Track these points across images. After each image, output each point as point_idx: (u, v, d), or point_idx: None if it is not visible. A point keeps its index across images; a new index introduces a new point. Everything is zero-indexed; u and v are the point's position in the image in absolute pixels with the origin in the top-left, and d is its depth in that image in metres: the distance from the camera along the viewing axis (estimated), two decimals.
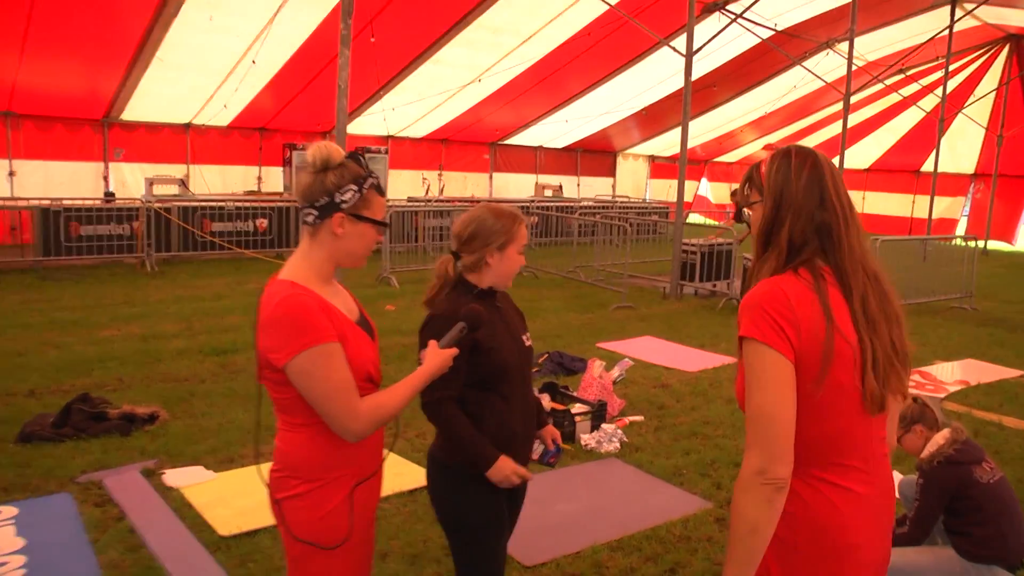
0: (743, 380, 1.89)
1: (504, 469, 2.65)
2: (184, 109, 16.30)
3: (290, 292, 2.09)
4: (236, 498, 4.67)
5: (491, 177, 21.98)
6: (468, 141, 20.97)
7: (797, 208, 1.92)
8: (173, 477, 4.97)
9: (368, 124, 18.67)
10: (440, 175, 20.74)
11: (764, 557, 1.82)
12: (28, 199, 13.23)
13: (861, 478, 1.90)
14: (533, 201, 18.10)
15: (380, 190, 2.23)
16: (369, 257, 2.33)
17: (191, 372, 7.27)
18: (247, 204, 14.72)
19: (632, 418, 6.29)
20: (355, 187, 2.17)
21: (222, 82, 15.21)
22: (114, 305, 10.10)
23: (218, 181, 17.54)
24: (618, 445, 5.67)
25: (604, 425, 5.84)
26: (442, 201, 17.77)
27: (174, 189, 15.55)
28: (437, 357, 2.39)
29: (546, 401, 6.12)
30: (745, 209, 2.10)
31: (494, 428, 2.71)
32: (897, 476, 4.18)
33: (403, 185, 19.77)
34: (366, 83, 16.09)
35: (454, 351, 2.43)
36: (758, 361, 1.83)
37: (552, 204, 17.83)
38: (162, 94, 15.16)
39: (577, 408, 5.93)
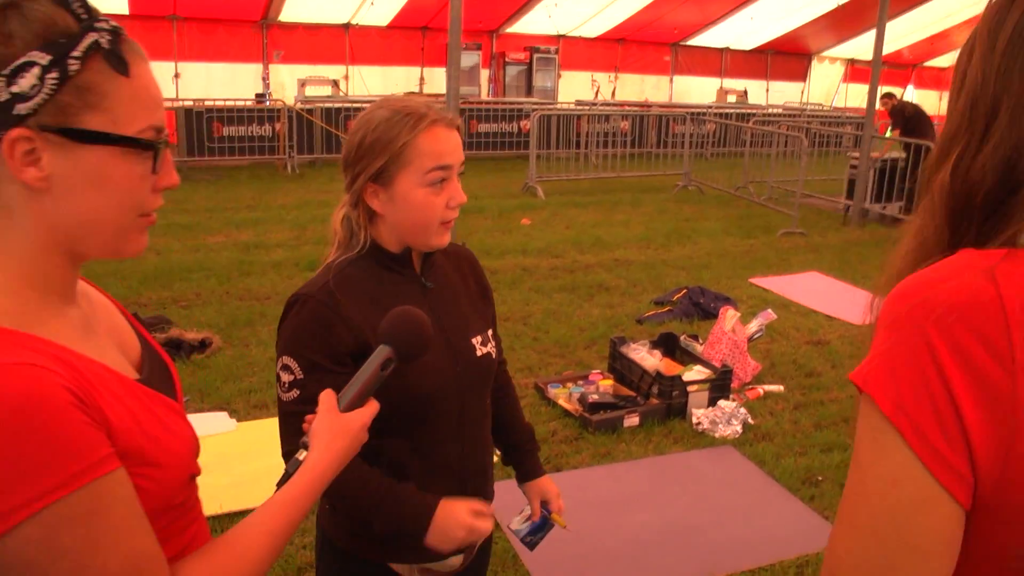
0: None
1: (450, 526, 1.47)
2: (343, 8, 15.71)
3: None
4: (242, 461, 3.81)
5: (671, 80, 20.00)
6: (647, 41, 19.08)
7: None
8: None
9: (536, 22, 17.33)
10: (615, 77, 19.10)
11: None
12: (182, 100, 13.15)
13: None
14: (711, 107, 16.16)
15: (119, 60, 0.91)
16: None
17: (272, 289, 6.54)
18: None
19: (768, 387, 4.85)
20: (47, 58, 0.86)
21: None
22: (234, 209, 9.65)
23: (379, 82, 16.93)
24: (739, 429, 4.29)
25: (723, 402, 4.45)
26: (610, 105, 16.25)
27: (327, 90, 15.10)
28: (341, 435, 1.13)
29: (655, 360, 4.80)
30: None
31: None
32: None
33: (575, 88, 18.39)
34: None
35: (373, 409, 1.19)
36: (872, 463, 0.74)
37: (731, 111, 15.87)
38: None
39: (692, 374, 4.58)
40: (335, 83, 15.30)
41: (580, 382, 4.79)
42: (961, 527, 0.71)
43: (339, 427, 1.14)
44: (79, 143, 0.89)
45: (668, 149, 13.78)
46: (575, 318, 6.11)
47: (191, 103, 12.34)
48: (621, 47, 19.10)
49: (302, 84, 14.66)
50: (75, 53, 0.87)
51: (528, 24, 17.57)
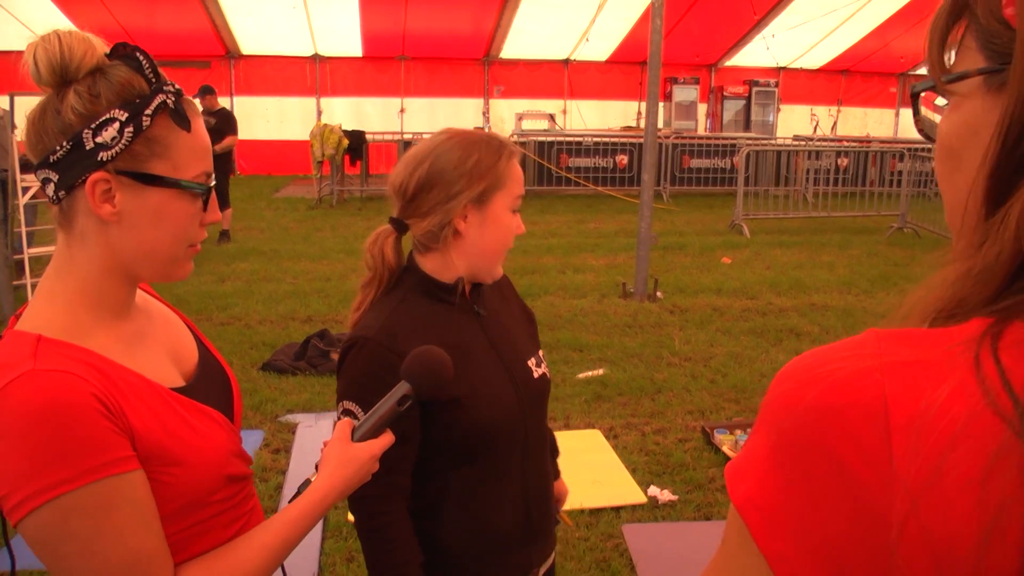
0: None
1: None
2: (562, 45, 16.17)
3: (27, 371, 0.96)
4: None
5: (897, 113, 18.73)
6: (872, 72, 18.03)
7: None
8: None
9: (756, 54, 16.91)
10: (837, 111, 18.18)
11: None
12: (403, 133, 14.08)
13: None
14: None
15: (181, 116, 1.07)
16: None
17: None
18: (608, 140, 14.10)
19: None
20: (125, 115, 1.03)
21: (595, 15, 14.67)
22: None
23: (596, 116, 17.24)
24: None
25: None
26: (825, 140, 15.47)
27: (544, 124, 15.55)
28: (347, 463, 1.21)
29: None
30: (934, 104, 0.70)
31: (467, 528, 1.58)
32: None
33: (795, 122, 17.73)
34: (750, 4, 14.39)
35: (386, 441, 1.26)
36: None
37: None
38: (537, 32, 15.13)
39: None
40: (551, 117, 15.74)
41: (748, 430, 4.59)
42: None
43: (347, 456, 1.21)
44: (146, 185, 1.06)
45: (887, 188, 12.89)
46: (758, 363, 5.86)
47: (410, 136, 13.16)
48: (845, 78, 18.17)
49: (519, 118, 15.21)
50: (147, 111, 1.04)
51: (747, 57, 17.18)
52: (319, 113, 15.31)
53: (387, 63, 15.67)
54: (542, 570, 1.72)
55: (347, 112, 15.12)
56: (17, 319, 1.08)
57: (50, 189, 1.05)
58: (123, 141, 1.02)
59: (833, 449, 0.55)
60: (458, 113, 16.25)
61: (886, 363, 0.56)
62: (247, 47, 15.01)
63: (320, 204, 12.14)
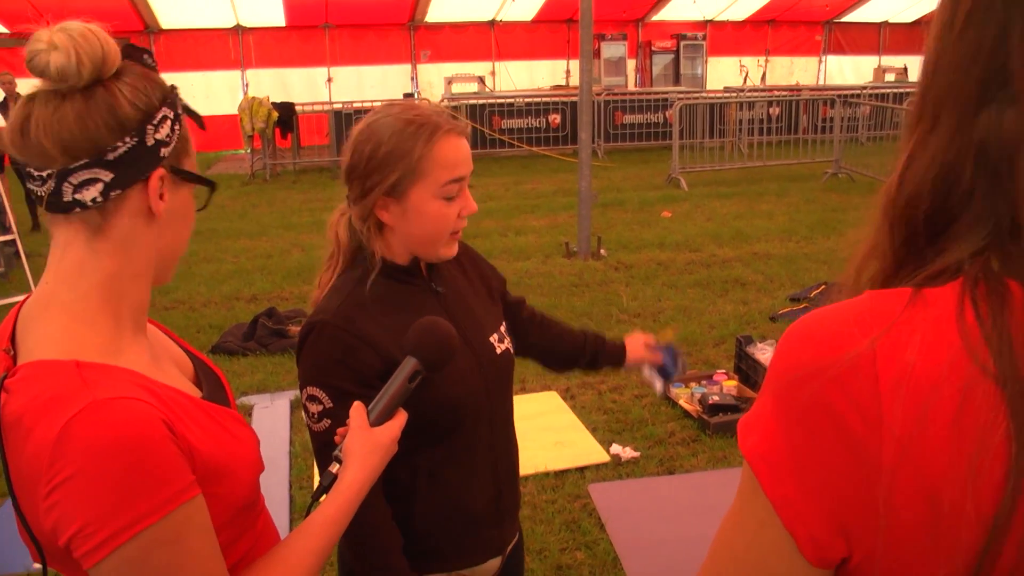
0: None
1: None
2: (487, 6, 15.97)
3: (89, 403, 0.88)
4: None
5: (821, 61, 18.97)
6: (798, 21, 18.20)
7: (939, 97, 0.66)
8: None
9: (682, 8, 16.95)
10: (766, 61, 18.35)
11: None
12: (333, 103, 13.78)
13: None
14: (865, 88, 15.17)
15: (195, 114, 1.09)
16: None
17: None
18: (539, 100, 14.03)
19: None
20: (172, 112, 1.02)
21: None
22: None
23: (524, 77, 17.10)
24: None
25: None
26: (756, 90, 15.64)
27: (474, 87, 15.39)
28: (374, 451, 1.19)
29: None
30: None
31: (440, 510, 1.56)
32: None
33: (724, 74, 17.83)
34: None
35: (402, 421, 1.25)
36: (739, 530, 0.71)
37: (888, 91, 14.83)
38: None
39: None
40: (481, 80, 15.56)
41: (703, 382, 4.67)
42: None
43: (371, 443, 1.20)
44: (183, 182, 1.05)
45: (819, 135, 13.12)
46: (706, 315, 5.95)
47: (340, 105, 12.89)
48: (772, 29, 18.34)
49: (449, 82, 15.02)
50: (179, 110, 1.03)
51: (674, 10, 17.19)
52: (245, 86, 14.86)
53: (311, 32, 15.25)
54: (509, 548, 1.72)
55: (273, 84, 14.70)
56: (10, 348, 0.98)
57: (94, 190, 0.96)
58: (174, 138, 1.02)
59: (830, 404, 0.61)
60: (386, 80, 15.95)
61: (877, 323, 0.62)
62: (166, 20, 14.42)
63: (254, 179, 11.85)
